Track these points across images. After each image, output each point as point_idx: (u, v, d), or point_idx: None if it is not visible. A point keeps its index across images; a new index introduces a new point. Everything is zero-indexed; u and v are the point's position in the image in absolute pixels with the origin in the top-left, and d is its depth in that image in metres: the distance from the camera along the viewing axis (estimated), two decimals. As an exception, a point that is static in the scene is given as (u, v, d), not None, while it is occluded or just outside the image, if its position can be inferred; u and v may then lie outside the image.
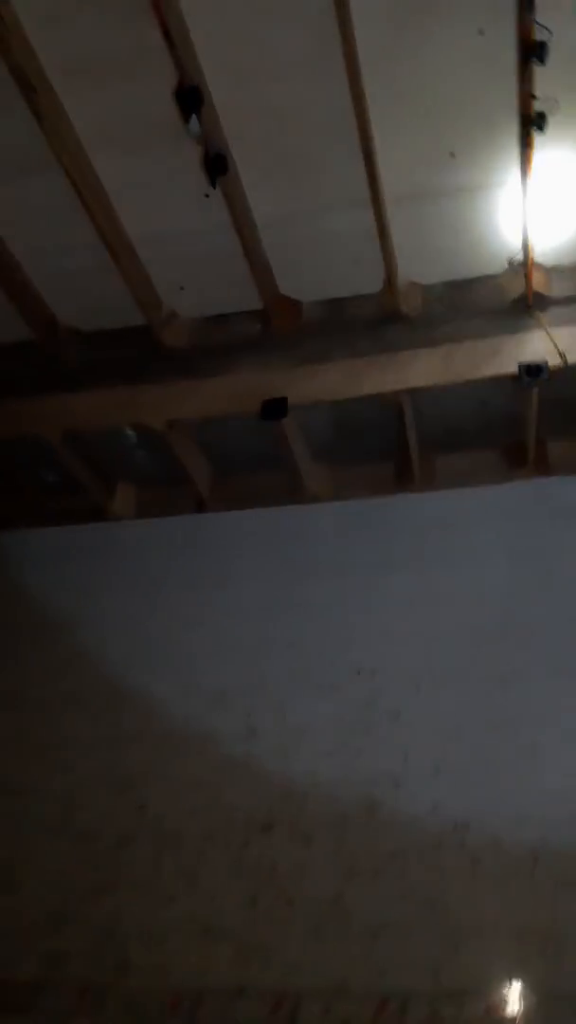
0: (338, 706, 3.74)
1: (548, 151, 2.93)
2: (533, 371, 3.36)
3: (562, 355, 3.38)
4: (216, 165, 2.92)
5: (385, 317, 3.63)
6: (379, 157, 3.05)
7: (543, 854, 3.24)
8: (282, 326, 3.66)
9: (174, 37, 2.62)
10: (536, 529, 4.02)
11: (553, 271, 3.50)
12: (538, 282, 3.44)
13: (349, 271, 3.58)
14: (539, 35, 2.51)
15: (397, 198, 3.21)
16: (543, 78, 2.67)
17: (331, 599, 4.05)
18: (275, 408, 3.54)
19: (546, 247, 3.36)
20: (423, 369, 3.51)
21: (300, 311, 3.72)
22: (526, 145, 2.86)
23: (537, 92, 2.72)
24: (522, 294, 3.48)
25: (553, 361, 3.37)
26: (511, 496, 4.14)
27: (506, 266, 3.51)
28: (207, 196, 3.25)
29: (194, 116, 2.81)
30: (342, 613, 4.01)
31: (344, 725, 3.69)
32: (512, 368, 3.42)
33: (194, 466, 4.20)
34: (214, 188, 3.01)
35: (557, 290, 3.51)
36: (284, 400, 3.54)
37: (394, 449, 4.23)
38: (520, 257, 3.46)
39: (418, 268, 3.54)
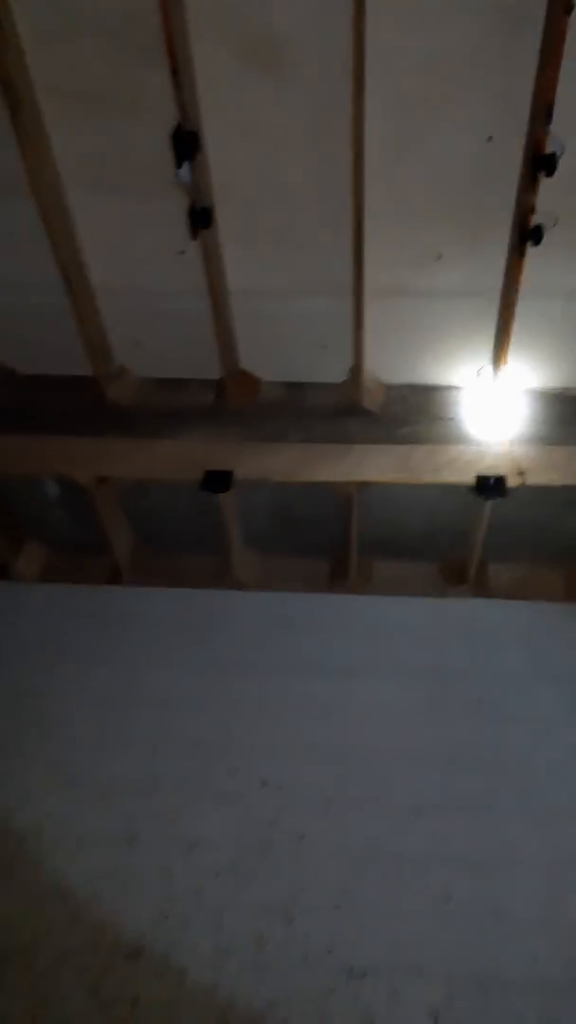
0: (236, 820, 3.34)
1: (535, 268, 2.94)
2: (492, 486, 3.24)
3: (521, 474, 3.29)
4: (200, 218, 2.76)
5: (346, 409, 3.48)
6: (367, 248, 2.98)
7: (444, 1016, 2.88)
8: (238, 400, 3.46)
9: (181, 79, 2.49)
10: (469, 652, 3.84)
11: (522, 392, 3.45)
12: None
13: (315, 357, 3.44)
14: (550, 147, 2.50)
15: (377, 292, 3.13)
16: (543, 191, 2.67)
17: (243, 698, 3.71)
18: (218, 480, 3.29)
19: (520, 365, 3.32)
20: (380, 464, 3.35)
21: (258, 388, 3.54)
22: (519, 255, 2.82)
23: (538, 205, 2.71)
24: (484, 406, 3.41)
25: (513, 481, 3.28)
26: (447, 613, 3.97)
27: (476, 377, 3.47)
28: (182, 253, 3.09)
29: (187, 163, 2.68)
30: (254, 715, 3.66)
31: (240, 842, 3.29)
32: (469, 478, 3.30)
33: (115, 533, 3.88)
34: (194, 240, 2.84)
35: (523, 411, 3.45)
36: (229, 474, 3.30)
37: (331, 546, 4.04)
38: (489, 370, 3.42)
39: (386, 365, 3.45)
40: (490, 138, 2.67)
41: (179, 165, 2.62)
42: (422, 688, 3.73)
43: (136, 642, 3.92)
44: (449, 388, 3.49)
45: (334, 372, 3.51)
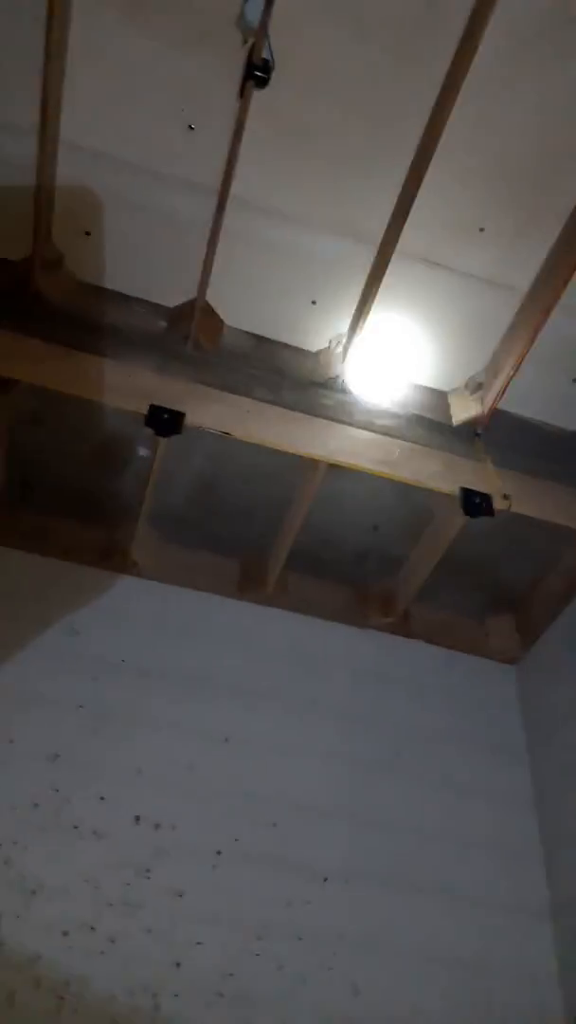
0: (100, 864, 2.53)
1: None
2: (478, 504, 2.81)
3: (506, 497, 2.89)
4: (259, 72, 2.14)
5: (323, 382, 2.95)
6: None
7: None
8: (198, 337, 2.80)
9: None
10: (384, 695, 3.31)
11: (503, 413, 3.08)
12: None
13: (300, 314, 2.88)
14: None
15: (405, 256, 2.67)
16: None
17: (118, 709, 2.91)
18: (167, 421, 2.57)
19: (517, 389, 2.95)
20: (354, 448, 2.81)
21: (220, 330, 2.91)
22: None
23: None
24: (474, 418, 3.01)
25: (500, 504, 2.87)
26: (365, 646, 3.44)
27: (464, 385, 3.07)
28: (191, 128, 2.45)
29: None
30: (130, 732, 2.87)
31: (99, 895, 2.48)
32: (453, 488, 2.85)
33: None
34: (240, 98, 2.19)
35: (504, 433, 3.09)
36: (180, 415, 2.60)
37: (251, 545, 3.40)
38: (481, 380, 3.04)
39: (374, 346, 2.97)
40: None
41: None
42: (330, 728, 3.14)
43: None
44: (438, 391, 3.08)
45: (316, 338, 2.97)
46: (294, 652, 3.32)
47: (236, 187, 2.49)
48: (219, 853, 2.66)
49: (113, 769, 2.75)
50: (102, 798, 2.67)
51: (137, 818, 2.66)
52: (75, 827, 2.57)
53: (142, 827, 2.64)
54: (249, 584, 3.37)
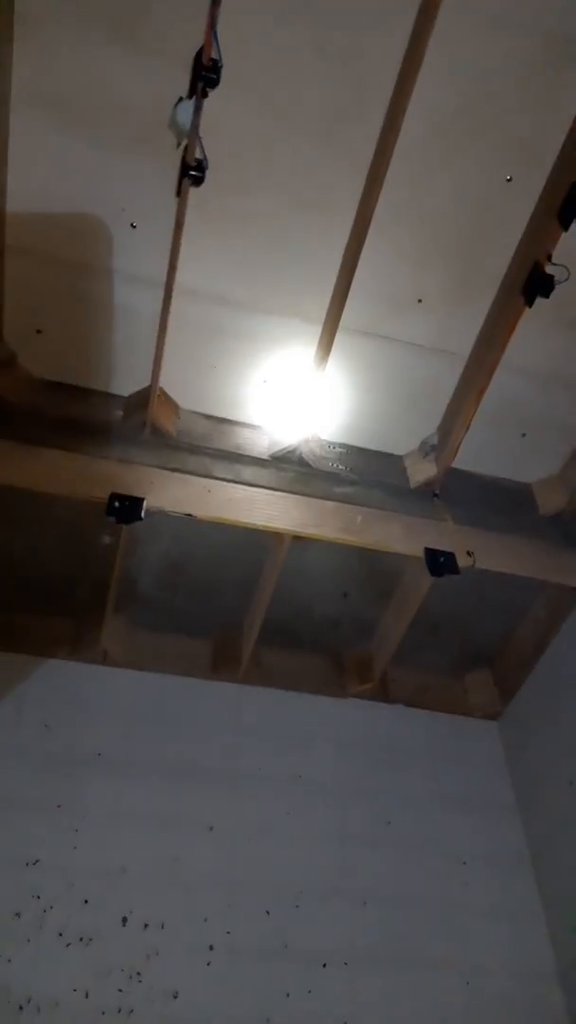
0: (89, 971, 2.42)
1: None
2: (443, 563, 2.84)
3: (470, 554, 2.93)
4: (194, 171, 2.24)
5: (280, 455, 3.00)
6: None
7: None
8: (159, 423, 2.85)
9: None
10: (371, 764, 3.26)
11: (459, 472, 3.16)
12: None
13: (251, 392, 2.95)
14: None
15: (350, 331, 2.76)
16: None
17: (97, 804, 2.82)
18: (127, 508, 2.58)
19: (469, 447, 3.03)
20: (318, 519, 2.83)
21: (177, 414, 2.97)
22: (513, 314, 2.57)
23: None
24: (431, 479, 3.08)
25: (463, 561, 2.91)
26: (346, 715, 3.40)
27: (418, 448, 3.15)
28: (133, 226, 2.54)
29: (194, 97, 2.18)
30: (112, 828, 2.78)
31: (91, 1001, 2.36)
32: (417, 549, 2.88)
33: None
34: (177, 196, 2.28)
35: (461, 491, 3.16)
36: (140, 501, 2.61)
37: (221, 623, 3.39)
38: (434, 442, 3.12)
39: (327, 417, 3.05)
40: (510, 178, 2.48)
41: (189, 95, 2.12)
42: (317, 804, 3.08)
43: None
44: (392, 456, 3.15)
45: (270, 414, 3.03)
46: (274, 729, 3.27)
47: (181, 277, 2.56)
48: (212, 948, 2.56)
49: (96, 870, 2.66)
50: (86, 901, 2.57)
51: (124, 919, 2.56)
52: (60, 934, 2.46)
53: (130, 928, 2.54)
54: (223, 663, 3.34)
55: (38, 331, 2.78)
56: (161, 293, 2.58)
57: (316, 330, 2.76)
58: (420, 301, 2.75)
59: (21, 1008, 2.29)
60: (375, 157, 2.36)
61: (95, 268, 2.61)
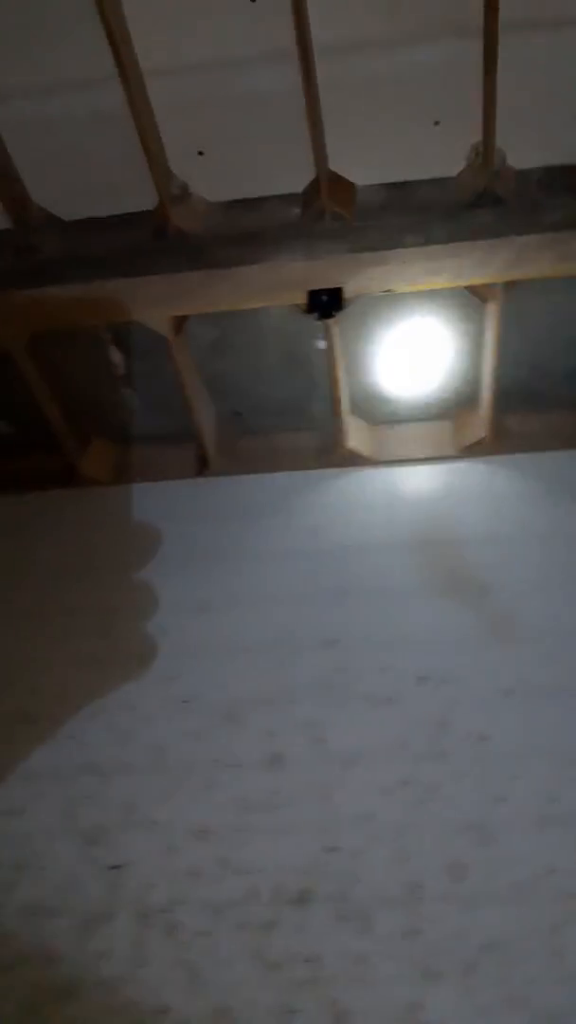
0: (396, 725, 2.69)
1: None
2: None
3: None
4: None
5: (473, 202, 2.75)
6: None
7: None
8: (335, 208, 2.74)
9: None
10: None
11: None
12: None
13: (423, 142, 2.70)
14: None
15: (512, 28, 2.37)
16: None
17: (381, 587, 3.03)
18: (327, 302, 2.58)
19: None
20: (528, 255, 2.60)
21: (353, 193, 2.82)
22: None
23: None
24: None
25: None
26: None
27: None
28: (253, 0, 2.38)
29: None
30: (400, 606, 2.96)
31: (406, 751, 2.63)
32: None
33: (199, 404, 3.19)
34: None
35: None
36: (338, 291, 2.58)
37: (452, 401, 3.32)
38: None
39: (511, 139, 2.71)
40: None
41: None
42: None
43: (238, 536, 3.24)
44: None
45: (451, 160, 2.77)
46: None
47: (314, 35, 2.36)
48: (509, 692, 2.69)
49: (386, 640, 2.88)
50: (388, 663, 2.81)
51: (421, 677, 2.77)
52: (368, 697, 2.74)
53: (428, 686, 2.75)
54: (464, 438, 3.29)
55: (200, 152, 2.76)
56: (297, 65, 2.41)
57: (476, 42, 2.42)
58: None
59: (348, 765, 2.62)
60: None
61: (229, 62, 2.49)
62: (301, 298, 2.62)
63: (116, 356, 3.08)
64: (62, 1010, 2.30)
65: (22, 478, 3.41)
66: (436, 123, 2.67)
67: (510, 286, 2.66)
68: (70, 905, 2.45)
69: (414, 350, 3.11)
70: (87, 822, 2.56)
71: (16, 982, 2.35)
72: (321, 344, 3.00)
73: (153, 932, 2.39)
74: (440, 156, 2.75)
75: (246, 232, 2.81)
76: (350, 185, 2.83)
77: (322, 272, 2.67)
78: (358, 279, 2.64)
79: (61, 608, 3.08)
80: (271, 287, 2.67)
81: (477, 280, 2.60)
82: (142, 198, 2.81)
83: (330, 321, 2.71)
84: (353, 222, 2.78)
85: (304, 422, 3.40)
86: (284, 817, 2.53)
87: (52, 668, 2.90)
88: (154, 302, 2.74)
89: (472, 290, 2.70)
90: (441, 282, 2.60)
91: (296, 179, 2.83)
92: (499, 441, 3.29)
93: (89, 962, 2.38)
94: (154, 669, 2.87)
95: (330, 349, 2.96)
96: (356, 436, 3.33)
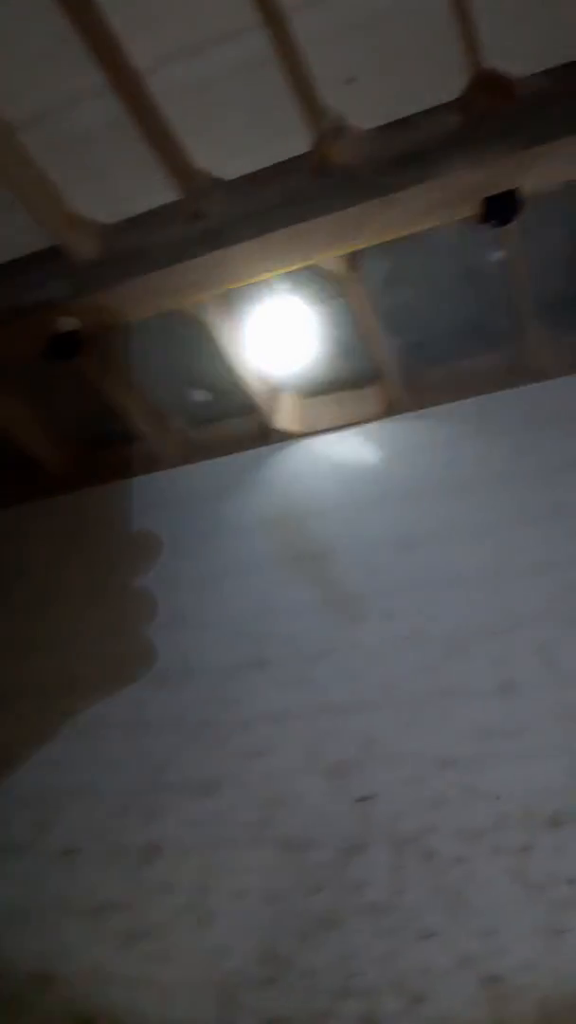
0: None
1: None
2: None
3: None
4: None
5: None
6: None
7: None
8: (500, 104, 2.57)
9: None
10: None
11: None
12: None
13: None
14: None
15: None
16: None
17: None
18: (503, 208, 2.44)
19: None
20: None
21: (513, 89, 2.63)
22: None
23: None
24: None
25: None
26: None
27: None
28: None
29: None
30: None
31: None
32: None
33: (378, 344, 3.15)
34: None
35: None
36: (512, 192, 2.43)
37: None
38: None
39: None
40: None
41: None
42: None
43: (441, 468, 3.17)
44: None
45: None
46: None
47: None
48: None
49: None
50: None
51: None
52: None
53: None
54: None
55: (350, 81, 2.67)
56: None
57: None
58: None
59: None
60: None
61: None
62: (473, 210, 2.49)
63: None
64: (326, 938, 2.41)
65: (225, 442, 3.54)
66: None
67: None
68: (325, 837, 2.55)
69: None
70: (331, 757, 2.65)
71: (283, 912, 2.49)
72: (498, 255, 2.86)
73: (409, 860, 2.44)
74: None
75: (406, 153, 2.71)
76: (507, 83, 2.65)
77: (495, 177, 2.52)
78: (533, 176, 2.47)
79: (289, 555, 3.16)
80: (439, 206, 2.56)
81: None
82: (295, 142, 2.78)
83: (509, 227, 2.56)
84: (519, 115, 2.60)
85: (488, 343, 3.27)
86: (526, 741, 2.48)
87: (279, 615, 3.00)
88: (327, 242, 2.71)
89: None
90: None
91: (452, 86, 2.68)
92: None
93: (350, 891, 2.47)
94: (370, 608, 2.90)
95: (511, 260, 2.80)
96: (542, 352, 3.14)
